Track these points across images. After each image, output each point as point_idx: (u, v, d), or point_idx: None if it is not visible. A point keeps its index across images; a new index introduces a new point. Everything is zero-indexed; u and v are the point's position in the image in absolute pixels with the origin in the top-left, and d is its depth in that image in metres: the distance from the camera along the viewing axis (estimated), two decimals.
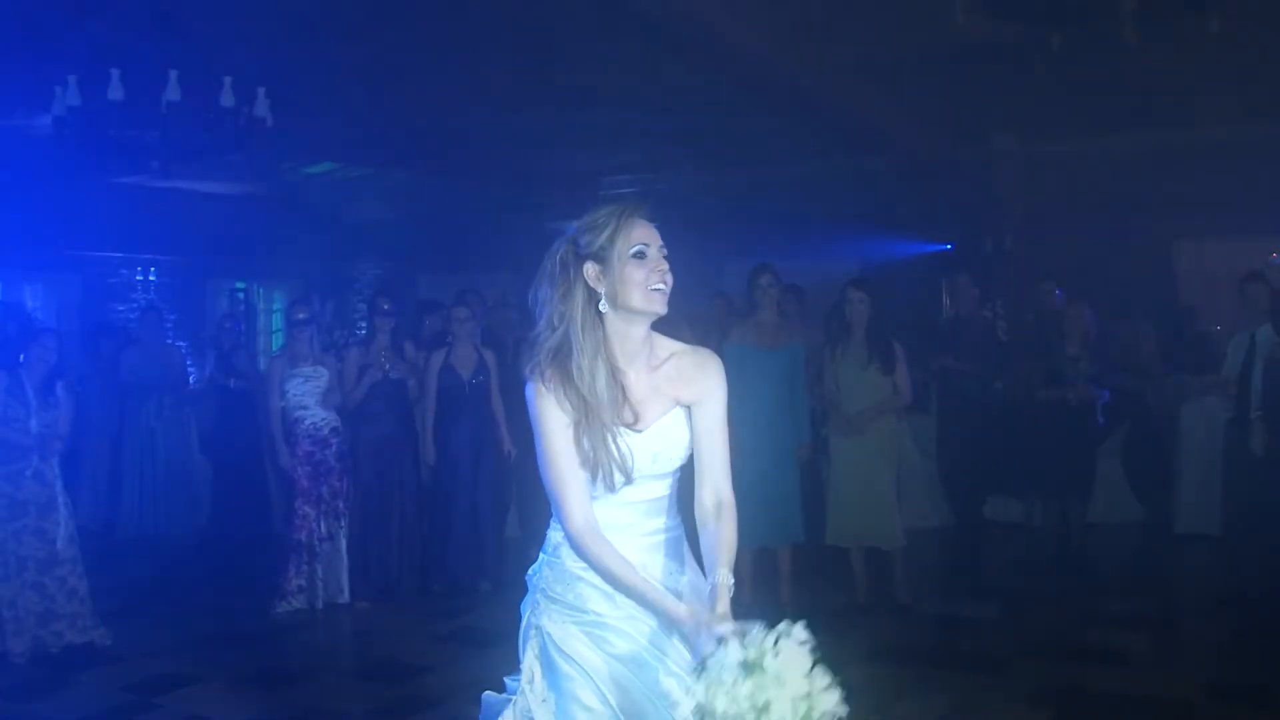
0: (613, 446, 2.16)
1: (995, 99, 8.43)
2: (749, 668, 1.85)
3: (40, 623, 5.47)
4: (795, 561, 6.12)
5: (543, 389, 2.18)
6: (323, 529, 6.35)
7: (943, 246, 10.86)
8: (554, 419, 2.17)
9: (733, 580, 2.16)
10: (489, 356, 6.60)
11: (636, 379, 2.24)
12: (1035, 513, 7.74)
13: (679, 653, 2.19)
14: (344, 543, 6.41)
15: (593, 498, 2.22)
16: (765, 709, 1.83)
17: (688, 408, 2.28)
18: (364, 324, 9.13)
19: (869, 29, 6.65)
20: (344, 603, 6.37)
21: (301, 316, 6.51)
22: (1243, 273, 6.89)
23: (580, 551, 2.17)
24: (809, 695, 1.88)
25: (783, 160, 10.27)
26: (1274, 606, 5.60)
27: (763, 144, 9.54)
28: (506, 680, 2.37)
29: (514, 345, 7.02)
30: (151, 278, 12.74)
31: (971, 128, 9.50)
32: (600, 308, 2.21)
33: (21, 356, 5.56)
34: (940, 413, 7.86)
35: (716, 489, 2.27)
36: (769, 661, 1.86)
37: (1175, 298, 10.43)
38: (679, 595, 2.25)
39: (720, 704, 1.84)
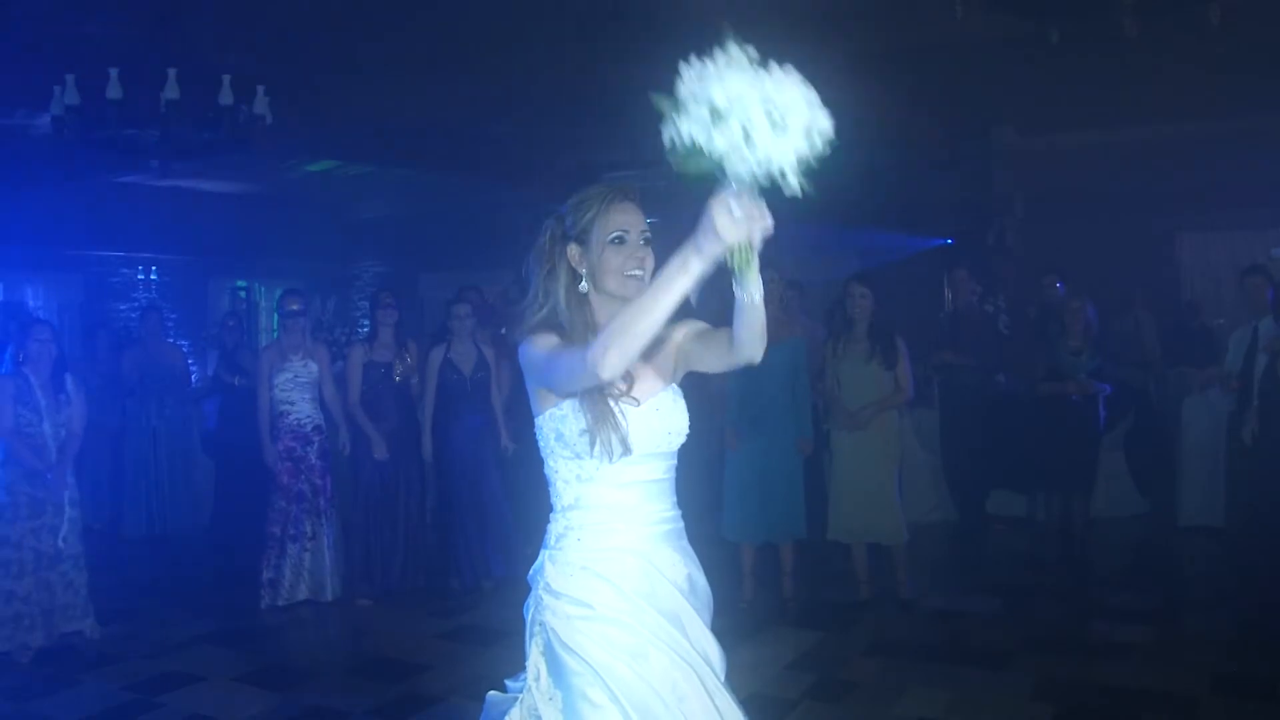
0: (610, 412, 2.17)
1: (995, 93, 8.41)
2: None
3: (44, 617, 5.51)
4: (797, 557, 6.12)
5: (535, 335, 2.19)
6: (307, 528, 6.37)
7: (943, 241, 10.85)
8: (549, 339, 2.17)
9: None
10: (489, 353, 6.60)
11: None
12: (1038, 507, 7.75)
13: (687, 645, 2.19)
14: (327, 541, 6.43)
15: (590, 478, 2.22)
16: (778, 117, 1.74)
17: (682, 387, 2.32)
18: (366, 321, 9.13)
19: (869, 23, 6.64)
20: (327, 601, 6.38)
21: (294, 308, 6.52)
22: (1244, 265, 6.89)
23: (609, 353, 1.94)
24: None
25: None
26: (1278, 598, 5.60)
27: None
28: (507, 682, 2.36)
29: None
30: (153, 277, 12.75)
31: (972, 122, 9.48)
32: (581, 288, 2.24)
33: (22, 355, 5.54)
34: (942, 407, 7.86)
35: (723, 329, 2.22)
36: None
37: (1177, 291, 10.44)
38: (682, 590, 2.25)
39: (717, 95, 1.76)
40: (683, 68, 1.81)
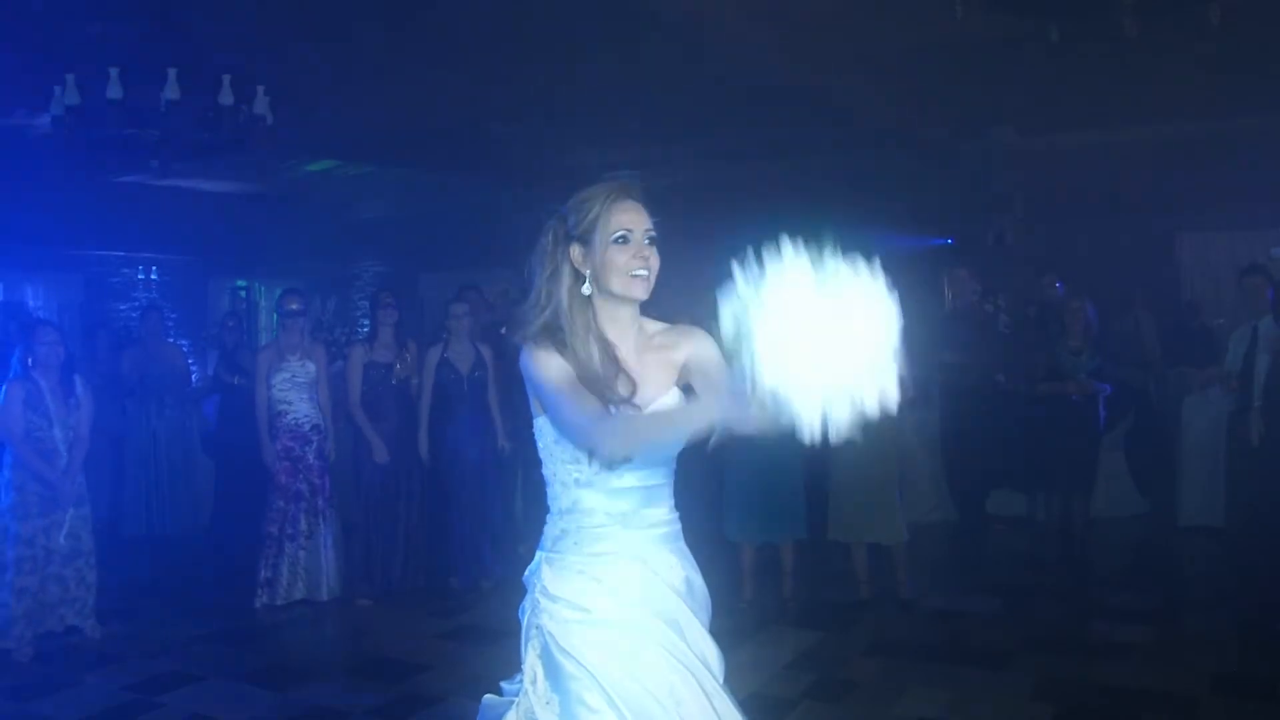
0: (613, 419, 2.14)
1: (995, 93, 8.41)
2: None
3: (50, 611, 5.53)
4: (798, 557, 6.12)
5: (540, 351, 2.16)
6: (304, 526, 6.37)
7: (944, 240, 10.85)
8: (558, 366, 2.14)
9: None
10: (486, 352, 6.60)
11: (629, 354, 2.25)
12: (1038, 507, 7.74)
13: (685, 648, 2.18)
14: (327, 540, 6.42)
15: (589, 483, 2.20)
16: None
17: (684, 390, 2.29)
18: (366, 321, 9.12)
19: (869, 23, 6.64)
20: (324, 600, 6.38)
21: (294, 307, 6.52)
22: (1244, 265, 6.89)
23: (614, 443, 2.04)
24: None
25: (783, 155, 10.26)
26: (1278, 598, 5.60)
27: (763, 139, 9.52)
28: (503, 684, 2.35)
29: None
30: (153, 276, 12.76)
31: (972, 121, 9.48)
32: (584, 289, 2.21)
33: (30, 360, 5.53)
34: (942, 407, 7.85)
35: None
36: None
37: (1177, 291, 10.43)
38: (680, 593, 2.24)
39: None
40: (762, 267, 1.77)
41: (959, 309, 7.98)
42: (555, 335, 2.18)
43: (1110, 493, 8.00)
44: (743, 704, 2.24)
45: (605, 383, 2.16)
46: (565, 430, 2.16)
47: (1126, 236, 10.19)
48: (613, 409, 2.15)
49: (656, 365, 2.27)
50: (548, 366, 2.14)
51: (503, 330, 6.74)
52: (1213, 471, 7.47)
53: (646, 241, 2.20)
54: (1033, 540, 7.58)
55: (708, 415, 1.93)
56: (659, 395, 2.25)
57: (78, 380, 5.68)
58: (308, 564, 6.39)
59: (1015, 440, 7.39)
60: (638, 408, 2.18)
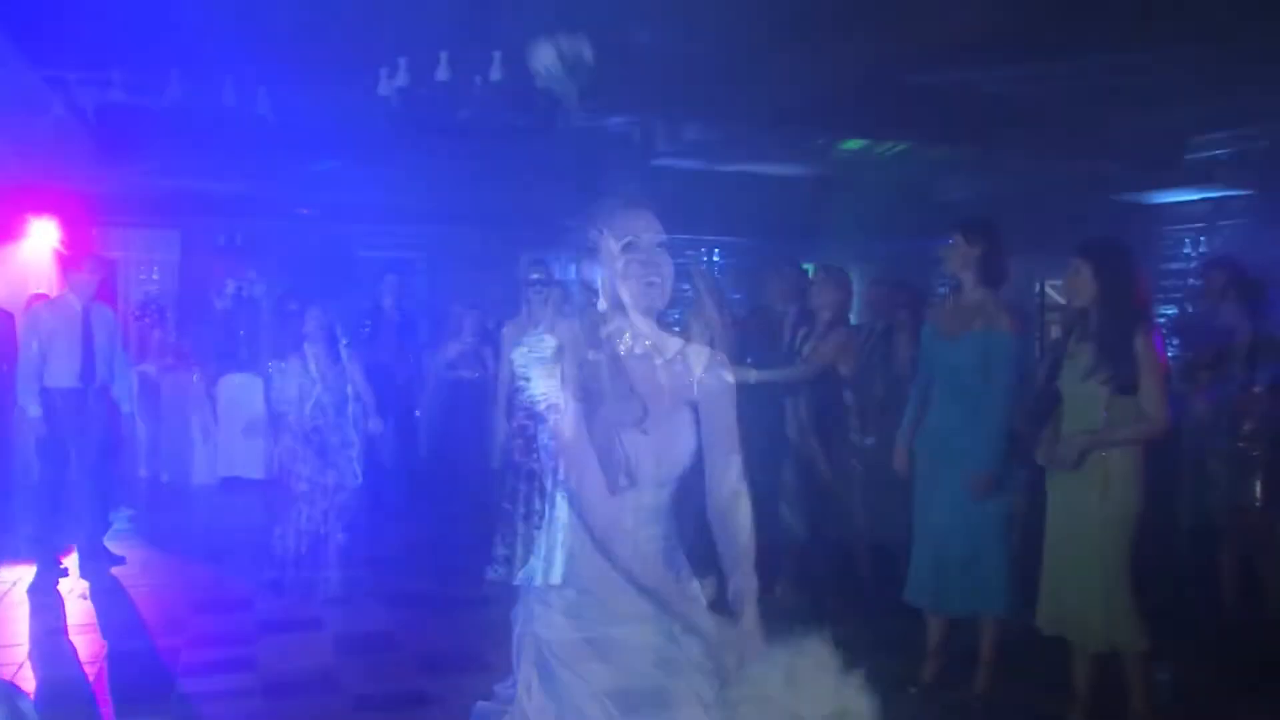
0: (618, 446, 2.12)
1: (997, 92, 8.40)
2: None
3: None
4: (798, 559, 6.12)
5: (549, 379, 2.14)
6: (305, 525, 6.38)
7: (946, 241, 10.84)
8: (570, 411, 2.13)
9: (755, 582, 2.11)
10: (487, 354, 6.61)
11: (642, 376, 2.21)
12: (1039, 507, 7.72)
13: (680, 657, 2.17)
14: (329, 540, 6.43)
15: None
16: None
17: (694, 409, 2.26)
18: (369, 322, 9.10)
19: (869, 22, 6.63)
20: (327, 600, 6.37)
21: (294, 308, 6.53)
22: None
23: (603, 547, 2.11)
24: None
25: (787, 156, 10.26)
26: (1277, 599, 5.60)
27: (765, 141, 9.51)
28: (495, 688, 2.34)
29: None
30: (155, 276, 12.76)
31: (974, 121, 9.46)
32: (599, 305, 2.19)
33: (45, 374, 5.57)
34: (941, 406, 7.83)
35: (729, 480, 2.24)
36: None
37: (1179, 291, 10.43)
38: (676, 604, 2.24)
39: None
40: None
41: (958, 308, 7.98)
42: (565, 353, 2.15)
43: (1110, 493, 7.96)
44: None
45: (614, 402, 2.13)
46: (563, 465, 2.16)
47: (1129, 237, 10.19)
48: (620, 434, 2.13)
49: (668, 389, 2.24)
50: (558, 406, 2.14)
51: (504, 331, 6.75)
52: (1212, 471, 7.45)
53: (657, 246, 2.18)
54: (1032, 539, 7.55)
55: (699, 625, 2.12)
56: (668, 419, 2.21)
57: (89, 393, 5.72)
58: (310, 564, 6.40)
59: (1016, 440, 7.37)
60: (646, 432, 2.16)
